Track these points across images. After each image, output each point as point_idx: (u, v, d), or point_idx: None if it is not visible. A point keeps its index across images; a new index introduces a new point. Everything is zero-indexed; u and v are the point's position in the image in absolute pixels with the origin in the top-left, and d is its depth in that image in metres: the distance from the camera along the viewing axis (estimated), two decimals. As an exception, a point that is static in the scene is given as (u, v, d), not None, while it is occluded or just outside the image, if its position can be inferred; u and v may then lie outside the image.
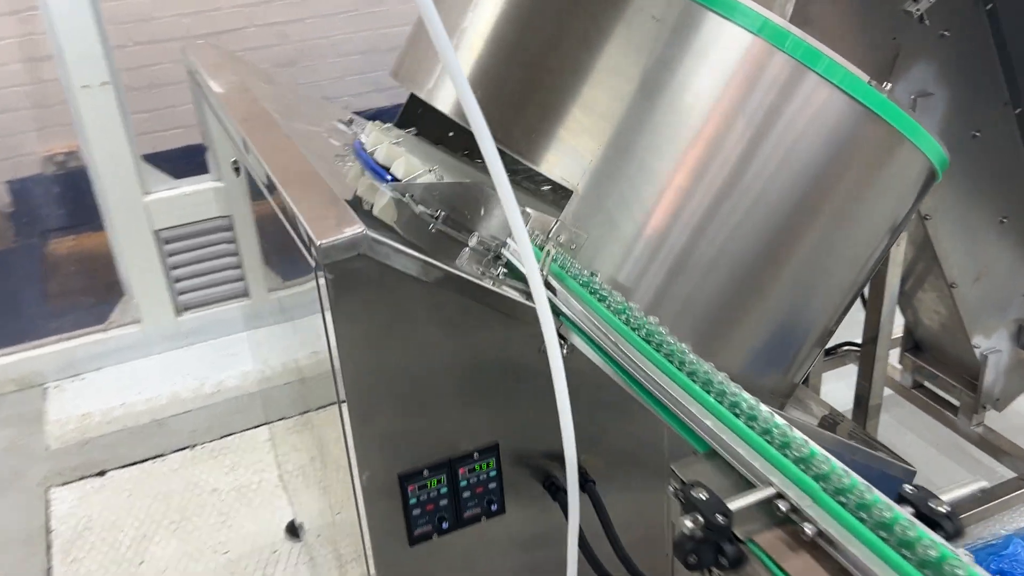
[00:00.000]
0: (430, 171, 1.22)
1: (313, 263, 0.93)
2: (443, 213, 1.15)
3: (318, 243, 0.87)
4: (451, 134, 1.64)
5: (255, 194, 1.33)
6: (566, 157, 1.12)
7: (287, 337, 1.70)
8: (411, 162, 1.23)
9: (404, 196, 1.18)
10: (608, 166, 1.11)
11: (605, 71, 1.11)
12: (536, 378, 1.01)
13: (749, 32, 1.05)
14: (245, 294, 2.91)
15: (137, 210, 2.73)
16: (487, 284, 1.01)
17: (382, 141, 1.34)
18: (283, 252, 1.46)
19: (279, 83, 1.80)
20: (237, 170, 1.29)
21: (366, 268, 0.89)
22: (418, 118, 1.56)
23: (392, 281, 0.92)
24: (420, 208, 1.16)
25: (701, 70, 1.07)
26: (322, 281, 0.88)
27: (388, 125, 1.47)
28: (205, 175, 2.78)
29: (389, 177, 1.23)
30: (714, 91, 1.07)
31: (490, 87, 1.19)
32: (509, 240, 1.11)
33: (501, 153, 0.86)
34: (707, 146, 1.08)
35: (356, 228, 0.89)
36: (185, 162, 3.20)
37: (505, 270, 1.12)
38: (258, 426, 2.66)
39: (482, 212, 1.15)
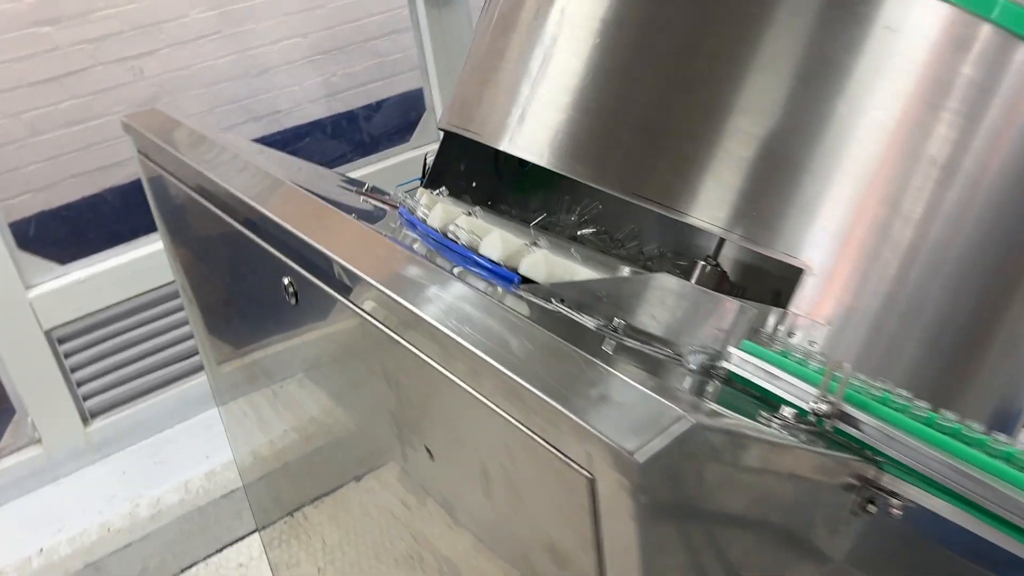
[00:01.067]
0: (571, 258, 0.89)
1: (595, 480, 0.58)
2: (622, 323, 0.84)
3: (636, 458, 0.53)
4: (473, 184, 1.32)
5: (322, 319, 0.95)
6: (791, 225, 0.83)
7: (265, 410, 1.33)
8: (508, 241, 0.91)
9: (552, 302, 0.86)
10: (851, 229, 0.82)
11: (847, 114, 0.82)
12: (851, 549, 0.72)
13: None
14: (176, 380, 2.46)
15: (19, 309, 2.22)
16: (802, 444, 0.70)
17: (454, 215, 1.00)
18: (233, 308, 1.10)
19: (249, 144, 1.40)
20: (295, 295, 0.92)
21: (685, 465, 0.57)
22: (448, 173, 1.23)
23: (710, 469, 0.61)
24: (591, 320, 0.83)
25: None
26: (625, 505, 0.55)
27: (441, 191, 1.12)
28: (104, 252, 2.30)
29: (516, 278, 0.90)
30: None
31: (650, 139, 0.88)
32: (735, 351, 0.81)
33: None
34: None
35: (675, 415, 0.56)
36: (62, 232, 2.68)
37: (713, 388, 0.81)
38: (232, 543, 2.23)
39: (677, 313, 0.83)
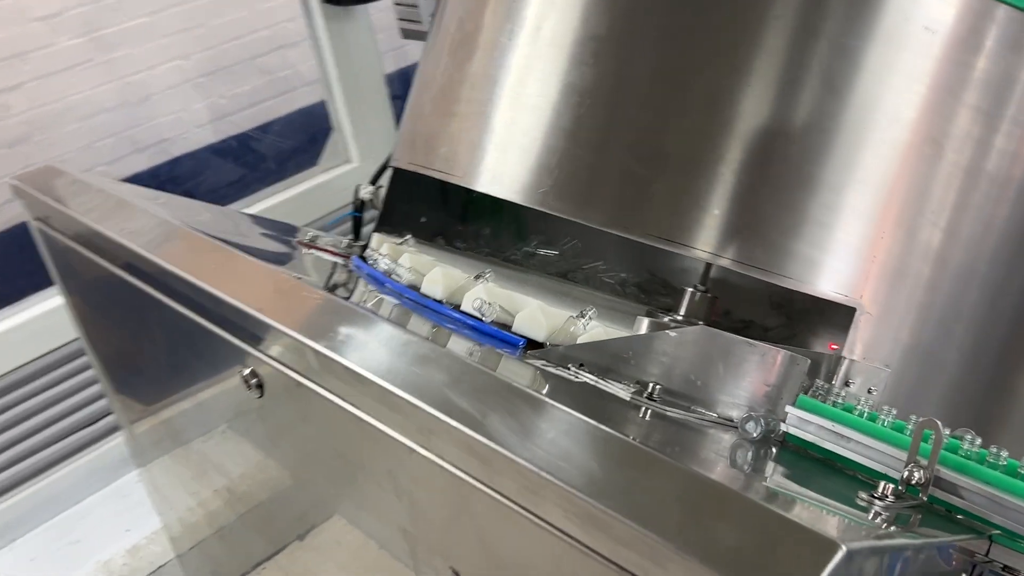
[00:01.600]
0: (582, 316, 0.77)
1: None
2: (658, 386, 0.72)
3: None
4: (422, 219, 1.19)
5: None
6: (836, 259, 0.73)
7: (195, 466, 1.17)
8: (517, 301, 0.79)
9: (571, 369, 0.73)
10: (903, 258, 0.73)
11: (874, 122, 0.72)
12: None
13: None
14: (85, 447, 2.22)
15: None
16: (935, 539, 0.59)
17: (429, 266, 0.87)
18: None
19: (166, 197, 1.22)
20: (259, 387, 0.77)
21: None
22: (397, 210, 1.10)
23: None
24: (621, 388, 0.71)
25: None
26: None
27: (407, 240, 0.99)
28: None
29: (520, 341, 0.78)
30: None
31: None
32: (793, 410, 0.70)
33: None
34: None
35: (829, 541, 0.44)
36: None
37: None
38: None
39: (720, 370, 0.72)
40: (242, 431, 0.94)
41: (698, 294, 1.08)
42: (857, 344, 0.73)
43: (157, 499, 1.52)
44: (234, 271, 0.85)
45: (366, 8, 2.63)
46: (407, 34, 2.93)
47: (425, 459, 0.61)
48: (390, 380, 0.60)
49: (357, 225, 1.58)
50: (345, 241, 1.17)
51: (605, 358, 0.74)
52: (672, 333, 0.73)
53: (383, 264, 0.92)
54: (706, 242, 0.74)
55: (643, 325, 0.79)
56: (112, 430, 2.26)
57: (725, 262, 0.74)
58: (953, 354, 0.74)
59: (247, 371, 0.76)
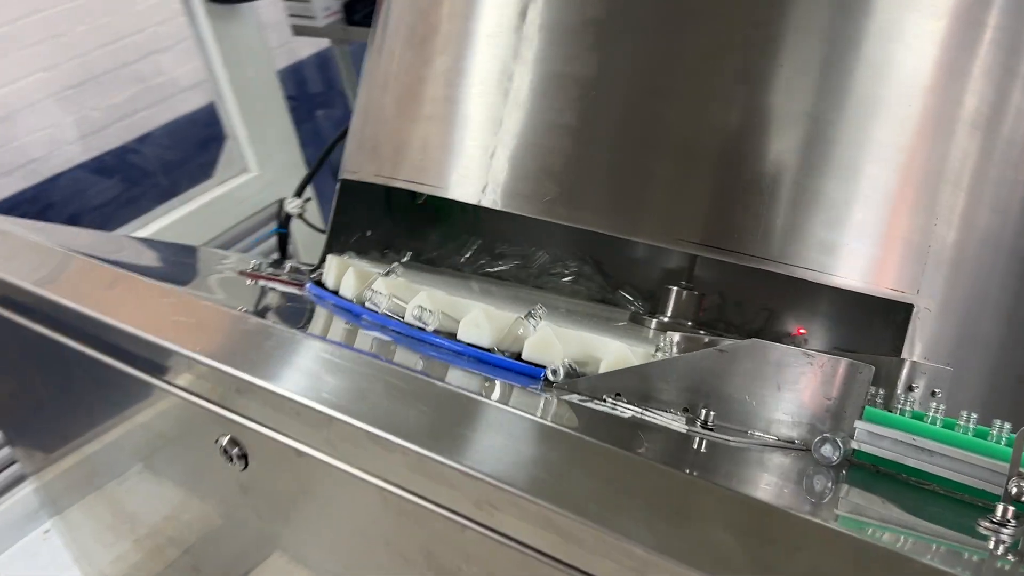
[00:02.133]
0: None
1: None
2: (710, 412, 0.64)
3: None
4: (368, 233, 1.08)
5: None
6: (888, 256, 0.66)
7: (120, 507, 1.03)
8: (495, 317, 0.69)
9: (607, 401, 0.64)
10: (957, 245, 0.66)
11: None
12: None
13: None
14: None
15: None
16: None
17: (413, 291, 0.76)
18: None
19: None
20: (242, 459, 0.64)
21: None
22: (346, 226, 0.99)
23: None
24: (672, 418, 0.63)
25: None
26: None
27: (393, 267, 0.87)
28: None
29: (541, 372, 0.68)
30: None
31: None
32: (863, 425, 0.63)
33: None
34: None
35: None
36: None
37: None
38: None
39: (777, 387, 0.64)
40: (160, 471, 0.81)
41: (684, 292, 1.01)
42: (917, 343, 0.66)
43: (77, 550, 1.35)
44: (145, 301, 0.72)
45: (252, 5, 2.45)
46: (299, 31, 2.76)
47: (483, 536, 0.50)
48: (438, 450, 0.49)
49: (283, 243, 1.44)
50: (288, 265, 1.04)
51: (643, 384, 0.65)
52: (721, 350, 0.64)
53: (380, 299, 0.79)
54: (753, 246, 0.65)
55: (673, 341, 0.70)
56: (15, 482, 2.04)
57: (775, 267, 0.65)
58: (1013, 344, 0.69)
59: (225, 439, 0.64)
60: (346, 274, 0.84)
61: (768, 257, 0.66)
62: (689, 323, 1.01)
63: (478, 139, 0.74)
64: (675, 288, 1.01)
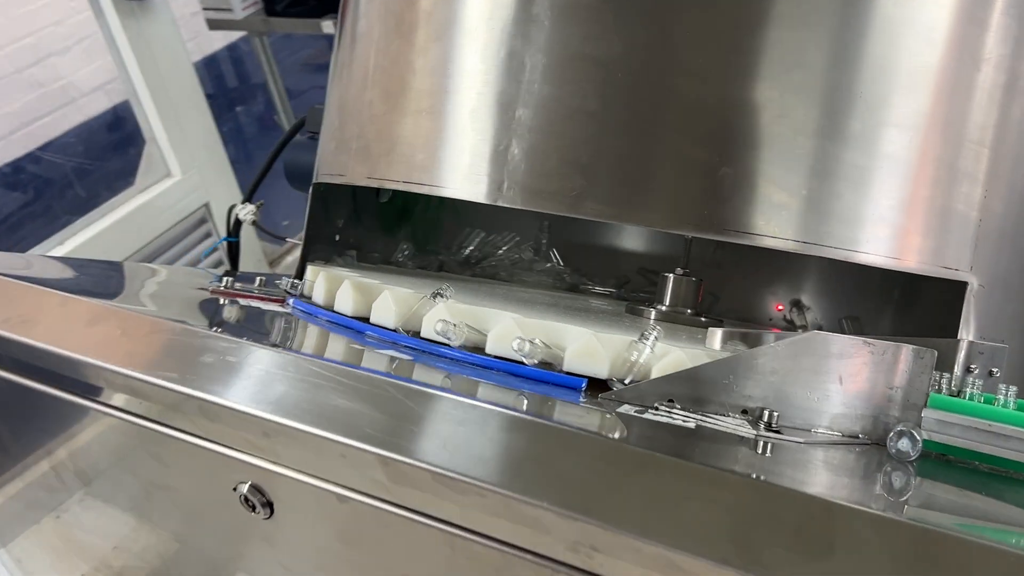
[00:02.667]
0: (643, 338, 0.64)
1: None
2: (774, 413, 0.59)
3: None
4: (337, 238, 1.01)
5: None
6: (941, 230, 0.63)
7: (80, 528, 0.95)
8: (526, 326, 0.64)
9: (661, 409, 0.60)
10: (1003, 216, 0.64)
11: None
12: None
13: None
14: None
15: None
16: None
17: (442, 311, 0.70)
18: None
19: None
20: (267, 507, 0.57)
21: None
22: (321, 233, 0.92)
23: None
24: (736, 423, 0.58)
25: None
26: None
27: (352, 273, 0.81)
28: None
29: (581, 382, 0.62)
30: None
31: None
32: (931, 413, 0.59)
33: None
34: None
35: None
36: None
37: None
38: None
39: (839, 380, 0.61)
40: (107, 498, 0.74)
41: (684, 278, 0.97)
42: (971, 322, 0.63)
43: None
44: (133, 335, 0.64)
45: (164, -1, 2.31)
46: (214, 24, 2.62)
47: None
48: (521, 489, 0.43)
49: (235, 254, 1.34)
50: (257, 279, 0.96)
51: (697, 388, 0.61)
52: (780, 346, 0.60)
53: (342, 303, 0.73)
54: (790, 230, 0.61)
55: (716, 338, 0.65)
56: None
57: (815, 250, 0.62)
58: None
59: (245, 486, 0.56)
60: (341, 288, 0.77)
61: (810, 241, 0.62)
62: (689, 311, 0.98)
63: (488, 132, 0.68)
64: (672, 275, 0.97)
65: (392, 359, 0.65)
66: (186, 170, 2.43)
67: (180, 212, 2.43)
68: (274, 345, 0.62)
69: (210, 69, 3.09)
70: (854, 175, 0.62)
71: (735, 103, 0.62)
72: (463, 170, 0.69)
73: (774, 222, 0.62)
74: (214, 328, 0.66)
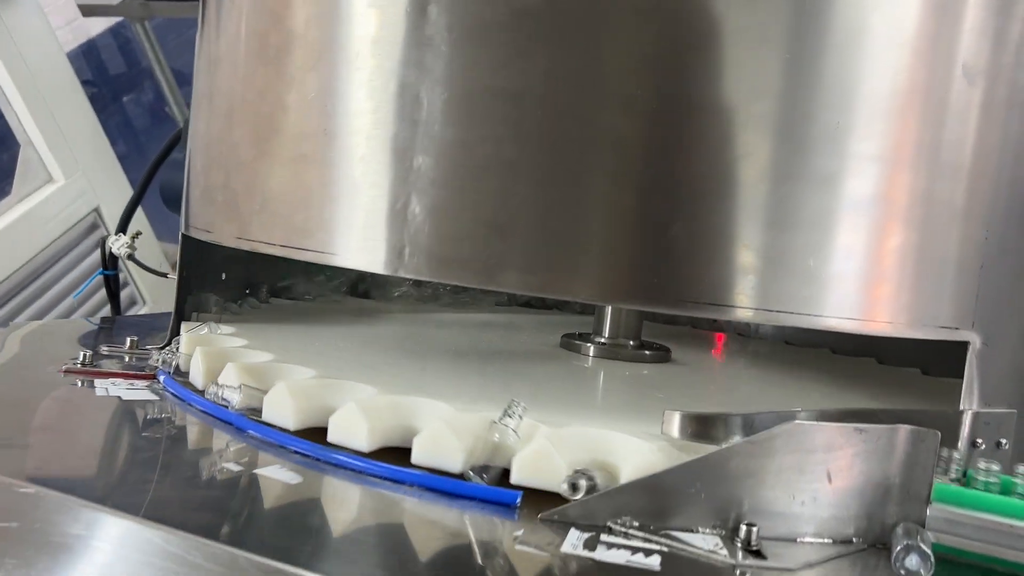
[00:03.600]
0: (509, 415, 0.53)
1: None
2: (752, 528, 0.48)
3: None
4: (223, 275, 0.88)
5: None
6: (941, 289, 0.52)
7: None
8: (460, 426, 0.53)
9: (618, 526, 0.48)
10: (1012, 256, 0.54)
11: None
12: None
13: None
14: None
15: None
16: None
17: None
18: None
19: None
20: None
21: None
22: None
23: None
24: (707, 548, 0.47)
25: None
26: None
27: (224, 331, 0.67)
28: None
29: (515, 496, 0.51)
30: None
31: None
32: (937, 509, 0.49)
33: None
34: None
35: None
36: None
37: None
38: None
39: (827, 476, 0.50)
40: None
41: (649, 350, 0.86)
42: (975, 389, 0.53)
43: None
44: None
45: (28, -15, 2.08)
46: (88, 11, 2.39)
47: None
48: None
49: (113, 290, 1.18)
50: (129, 340, 0.81)
51: (659, 500, 0.49)
52: (756, 443, 0.49)
53: (230, 395, 0.60)
54: (754, 295, 0.50)
55: (674, 423, 0.54)
56: None
57: (782, 319, 0.51)
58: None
59: None
60: (224, 373, 0.63)
61: (769, 308, 0.51)
62: (631, 343, 0.87)
63: (382, 186, 0.54)
64: (630, 344, 0.86)
65: (283, 484, 0.52)
66: (69, 173, 2.21)
67: (67, 220, 2.22)
68: (108, 497, 0.47)
69: (90, 57, 2.83)
70: (817, 223, 0.50)
71: (684, 143, 0.50)
72: (354, 233, 0.55)
73: (736, 288, 0.50)
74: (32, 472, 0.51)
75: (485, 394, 0.62)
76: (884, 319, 0.52)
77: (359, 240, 0.55)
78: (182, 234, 0.74)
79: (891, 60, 0.50)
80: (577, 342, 0.87)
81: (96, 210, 2.31)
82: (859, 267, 0.51)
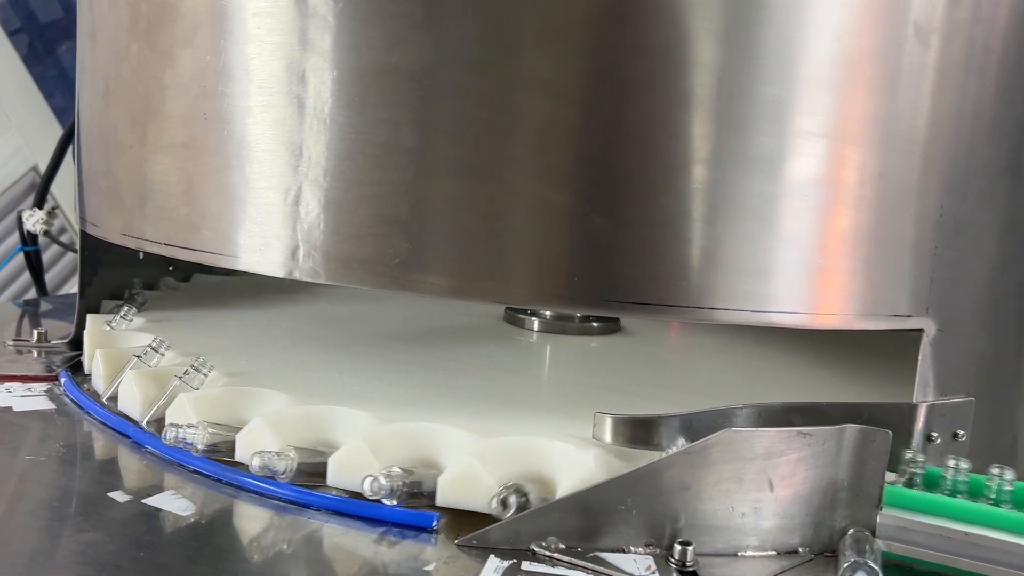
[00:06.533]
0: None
1: None
2: (687, 548, 0.44)
3: None
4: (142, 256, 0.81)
5: None
6: (895, 275, 0.47)
7: None
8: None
9: (539, 553, 0.44)
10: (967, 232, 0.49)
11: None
12: None
13: None
14: None
15: None
16: None
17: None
18: None
19: None
20: None
21: None
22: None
23: None
24: (634, 570, 0.43)
25: None
26: None
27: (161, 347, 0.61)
28: None
29: (432, 518, 0.46)
30: None
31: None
32: (887, 515, 0.45)
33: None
34: None
35: None
36: None
37: None
38: None
39: (769, 485, 0.46)
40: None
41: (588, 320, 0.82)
42: (930, 378, 0.49)
43: None
44: None
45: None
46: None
47: None
48: None
49: (36, 268, 1.11)
50: (36, 332, 0.75)
51: (587, 520, 0.45)
52: (691, 453, 0.44)
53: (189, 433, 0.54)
54: (690, 293, 0.45)
55: (606, 428, 0.49)
56: None
57: (722, 316, 0.46)
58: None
59: None
60: (123, 382, 0.58)
61: (711, 306, 0.46)
62: (577, 317, 0.82)
63: (270, 178, 0.48)
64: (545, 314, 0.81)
65: (175, 516, 0.47)
66: (2, 131, 2.11)
67: (3, 181, 2.13)
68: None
69: (17, 4, 2.68)
70: (763, 211, 0.45)
71: (607, 126, 0.44)
72: (243, 231, 0.49)
73: (669, 285, 0.45)
74: None
75: (412, 395, 0.57)
76: (833, 311, 0.47)
77: (249, 238, 0.49)
78: (81, 232, 0.68)
79: (834, 22, 0.44)
80: (521, 316, 0.81)
81: (35, 168, 2.21)
82: (805, 256, 0.46)
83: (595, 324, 0.81)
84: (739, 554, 0.46)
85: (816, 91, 0.44)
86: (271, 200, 0.48)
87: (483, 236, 0.45)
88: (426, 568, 0.43)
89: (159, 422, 0.54)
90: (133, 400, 0.56)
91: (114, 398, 0.59)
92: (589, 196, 0.44)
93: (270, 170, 0.48)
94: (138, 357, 0.59)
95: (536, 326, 0.81)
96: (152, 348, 0.60)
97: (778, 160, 0.45)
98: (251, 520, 0.48)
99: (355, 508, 0.47)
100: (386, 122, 0.45)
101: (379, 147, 0.45)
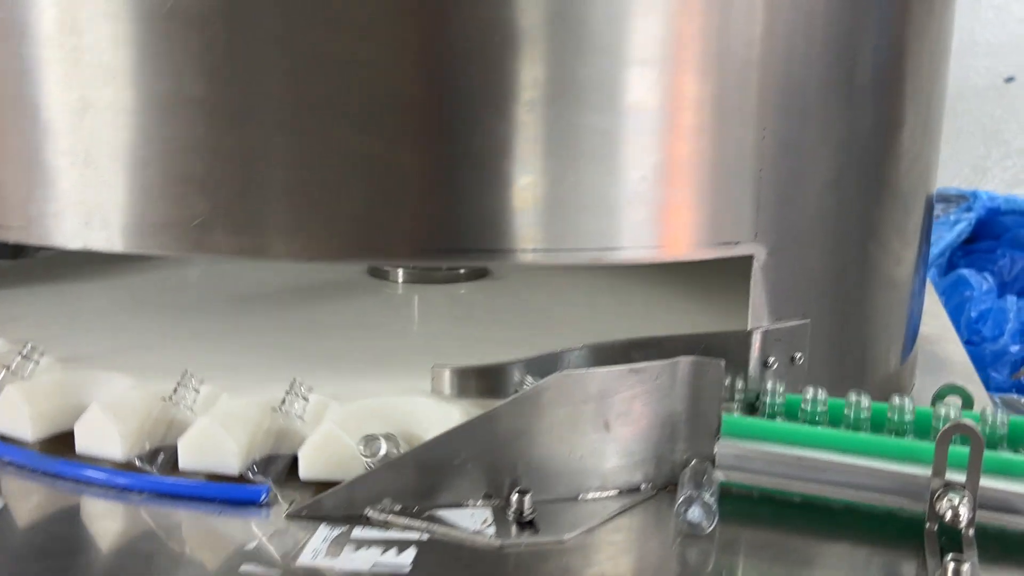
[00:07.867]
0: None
1: None
2: (524, 497, 0.43)
3: None
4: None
5: None
6: (700, 201, 0.47)
7: None
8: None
9: (374, 518, 0.43)
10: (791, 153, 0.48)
11: None
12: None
13: None
14: None
15: None
16: None
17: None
18: None
19: None
20: None
21: None
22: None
23: None
24: (473, 529, 0.42)
25: None
26: None
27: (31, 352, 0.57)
28: None
29: (261, 491, 0.44)
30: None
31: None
32: (724, 445, 0.45)
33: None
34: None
35: None
36: None
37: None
38: None
39: (604, 425, 0.45)
40: None
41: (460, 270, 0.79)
42: (763, 304, 0.48)
43: None
44: None
45: None
46: None
47: None
48: None
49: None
50: None
51: (422, 478, 0.43)
52: (522, 400, 0.43)
53: None
54: (531, 236, 0.44)
55: (444, 379, 0.47)
56: None
57: (565, 257, 0.44)
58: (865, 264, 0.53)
59: None
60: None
61: (554, 248, 0.44)
62: (444, 267, 0.79)
63: (52, 134, 0.44)
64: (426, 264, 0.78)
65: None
66: None
67: None
68: None
69: None
70: (599, 145, 0.43)
71: (427, 61, 0.41)
72: (29, 198, 0.45)
73: (514, 229, 0.43)
74: None
75: (272, 364, 0.54)
76: (674, 244, 0.46)
77: (39, 208, 0.45)
78: None
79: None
80: (386, 268, 0.79)
81: None
82: (632, 191, 0.44)
83: (462, 271, 0.79)
84: (579, 497, 0.45)
85: (646, 13, 0.43)
86: (58, 164, 0.44)
87: (287, 189, 0.42)
88: (247, 547, 0.40)
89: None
90: (23, 426, 0.51)
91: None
92: (398, 139, 0.42)
93: (49, 127, 0.44)
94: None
95: (401, 277, 0.78)
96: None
97: (605, 93, 0.43)
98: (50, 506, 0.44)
99: (181, 489, 0.45)
100: (167, 71, 0.41)
101: (162, 97, 0.42)
